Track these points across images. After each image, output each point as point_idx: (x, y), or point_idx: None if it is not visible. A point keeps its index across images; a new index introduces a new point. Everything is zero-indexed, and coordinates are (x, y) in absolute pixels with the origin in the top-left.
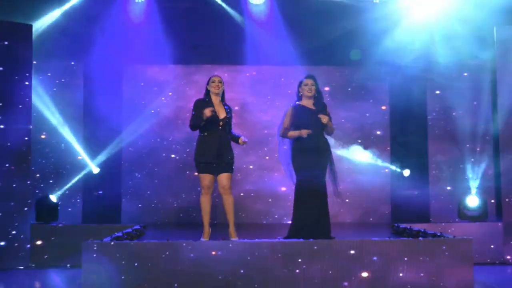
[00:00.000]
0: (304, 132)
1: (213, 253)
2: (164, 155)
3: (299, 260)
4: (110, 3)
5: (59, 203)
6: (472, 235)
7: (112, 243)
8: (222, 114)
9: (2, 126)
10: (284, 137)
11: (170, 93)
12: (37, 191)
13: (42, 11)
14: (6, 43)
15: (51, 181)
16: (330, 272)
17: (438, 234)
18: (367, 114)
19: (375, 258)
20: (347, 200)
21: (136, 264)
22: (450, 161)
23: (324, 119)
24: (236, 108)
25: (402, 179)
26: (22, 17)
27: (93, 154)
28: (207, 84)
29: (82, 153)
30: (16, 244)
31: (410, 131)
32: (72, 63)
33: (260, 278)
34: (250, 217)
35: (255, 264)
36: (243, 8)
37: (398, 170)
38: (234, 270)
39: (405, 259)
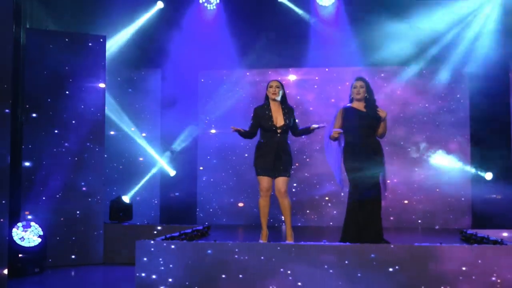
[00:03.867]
0: (334, 133)
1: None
2: (239, 157)
3: (346, 262)
4: (184, 11)
5: (131, 203)
6: None
7: (164, 242)
8: (280, 122)
9: (78, 132)
10: (331, 139)
11: (243, 95)
12: (114, 190)
13: (117, 22)
14: (82, 53)
15: (124, 182)
16: (374, 275)
17: (499, 240)
18: (445, 112)
19: (426, 263)
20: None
21: (185, 263)
22: None
23: (382, 113)
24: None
25: (484, 183)
26: (98, 29)
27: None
28: (266, 89)
29: (158, 157)
30: (90, 242)
31: (491, 130)
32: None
33: (308, 280)
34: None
35: (305, 267)
36: (311, 9)
37: (482, 173)
38: (281, 272)
39: (459, 266)
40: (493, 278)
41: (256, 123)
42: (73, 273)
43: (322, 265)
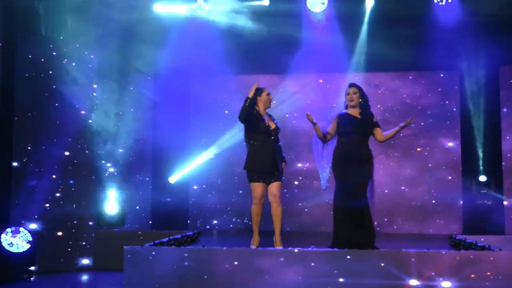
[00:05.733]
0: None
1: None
2: (231, 162)
3: (333, 267)
4: (176, 17)
5: (124, 209)
6: None
7: (152, 248)
8: (273, 125)
9: (69, 136)
10: (321, 139)
11: (233, 100)
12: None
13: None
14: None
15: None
16: (361, 280)
17: (487, 246)
18: (435, 118)
19: (413, 268)
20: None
21: (173, 269)
22: None
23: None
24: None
25: (475, 189)
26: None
27: (161, 163)
28: (259, 95)
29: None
30: (80, 247)
31: (482, 133)
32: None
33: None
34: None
35: (294, 272)
36: (302, 15)
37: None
38: (270, 277)
39: (445, 271)
40: (478, 284)
41: (250, 116)
42: (62, 278)
43: (311, 270)
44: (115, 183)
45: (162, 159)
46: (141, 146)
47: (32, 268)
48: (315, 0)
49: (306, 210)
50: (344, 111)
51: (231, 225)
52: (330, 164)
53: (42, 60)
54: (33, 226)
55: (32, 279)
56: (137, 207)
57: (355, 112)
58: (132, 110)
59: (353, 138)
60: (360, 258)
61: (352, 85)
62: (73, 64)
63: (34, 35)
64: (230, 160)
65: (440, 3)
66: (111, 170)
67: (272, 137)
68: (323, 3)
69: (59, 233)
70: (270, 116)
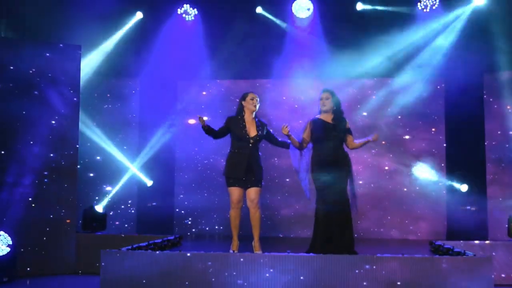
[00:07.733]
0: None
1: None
2: (216, 167)
3: (309, 272)
4: (163, 22)
5: (109, 213)
6: None
7: (129, 252)
8: (252, 132)
9: (51, 140)
10: (298, 148)
11: (220, 105)
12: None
13: (95, 33)
14: (56, 63)
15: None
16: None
17: (462, 251)
18: (420, 124)
19: (388, 273)
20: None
21: (149, 273)
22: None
23: (375, 137)
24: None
25: (458, 194)
26: (74, 39)
27: (146, 166)
28: (243, 99)
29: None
30: (62, 251)
31: (466, 142)
32: (130, 82)
33: None
34: (279, 229)
35: (271, 277)
36: (288, 21)
37: (457, 185)
38: (248, 282)
39: (420, 277)
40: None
41: (225, 129)
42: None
43: (289, 275)
44: (98, 186)
45: (146, 163)
46: (126, 152)
47: (13, 271)
48: (300, 6)
49: (289, 215)
50: (317, 116)
51: (221, 228)
52: (309, 172)
53: (25, 65)
54: (14, 229)
55: (12, 282)
56: (122, 209)
57: (327, 117)
58: (118, 115)
59: (327, 144)
60: (338, 263)
61: (325, 90)
62: (57, 69)
63: (13, 40)
64: (217, 164)
65: (425, 10)
66: (92, 174)
67: (250, 145)
68: (308, 9)
69: (40, 237)
70: (257, 121)
